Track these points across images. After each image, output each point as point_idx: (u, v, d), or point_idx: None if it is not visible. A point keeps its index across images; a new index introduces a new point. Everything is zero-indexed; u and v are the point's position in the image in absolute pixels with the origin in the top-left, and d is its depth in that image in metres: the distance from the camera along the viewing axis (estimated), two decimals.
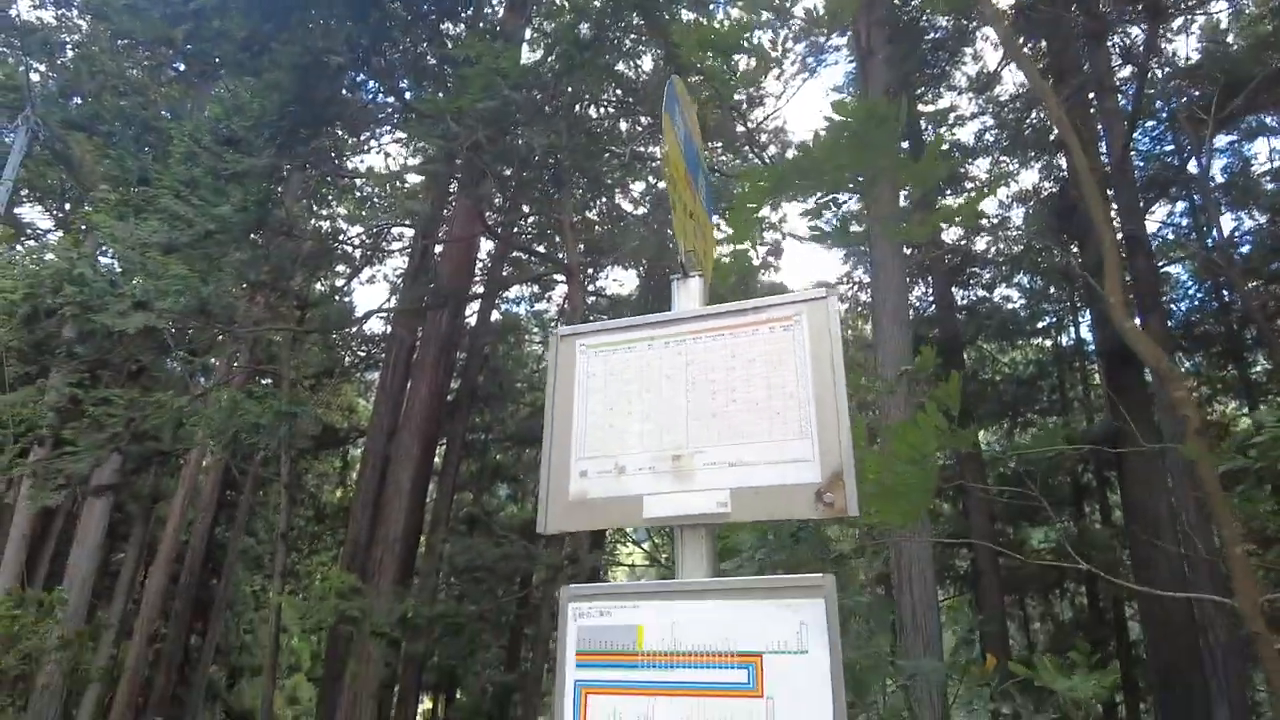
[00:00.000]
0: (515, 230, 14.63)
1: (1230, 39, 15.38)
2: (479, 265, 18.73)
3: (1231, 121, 13.83)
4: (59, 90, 17.44)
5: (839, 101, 2.87)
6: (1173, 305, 16.90)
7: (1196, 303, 15.86)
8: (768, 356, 1.32)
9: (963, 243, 19.33)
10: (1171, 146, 15.09)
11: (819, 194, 3.06)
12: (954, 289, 19.28)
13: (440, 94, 9.22)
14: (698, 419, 1.33)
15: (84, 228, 14.83)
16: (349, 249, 19.25)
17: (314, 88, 9.09)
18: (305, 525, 21.64)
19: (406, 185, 18.01)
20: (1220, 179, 16.74)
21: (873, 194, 4.22)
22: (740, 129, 11.13)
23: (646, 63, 14.13)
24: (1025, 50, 16.04)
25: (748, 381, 1.31)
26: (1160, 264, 17.18)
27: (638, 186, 19.18)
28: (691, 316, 1.42)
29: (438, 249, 15.36)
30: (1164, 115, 14.08)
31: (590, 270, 19.88)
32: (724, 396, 1.32)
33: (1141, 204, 15.60)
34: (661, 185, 17.77)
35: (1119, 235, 13.33)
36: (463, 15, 11.64)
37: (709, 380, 1.34)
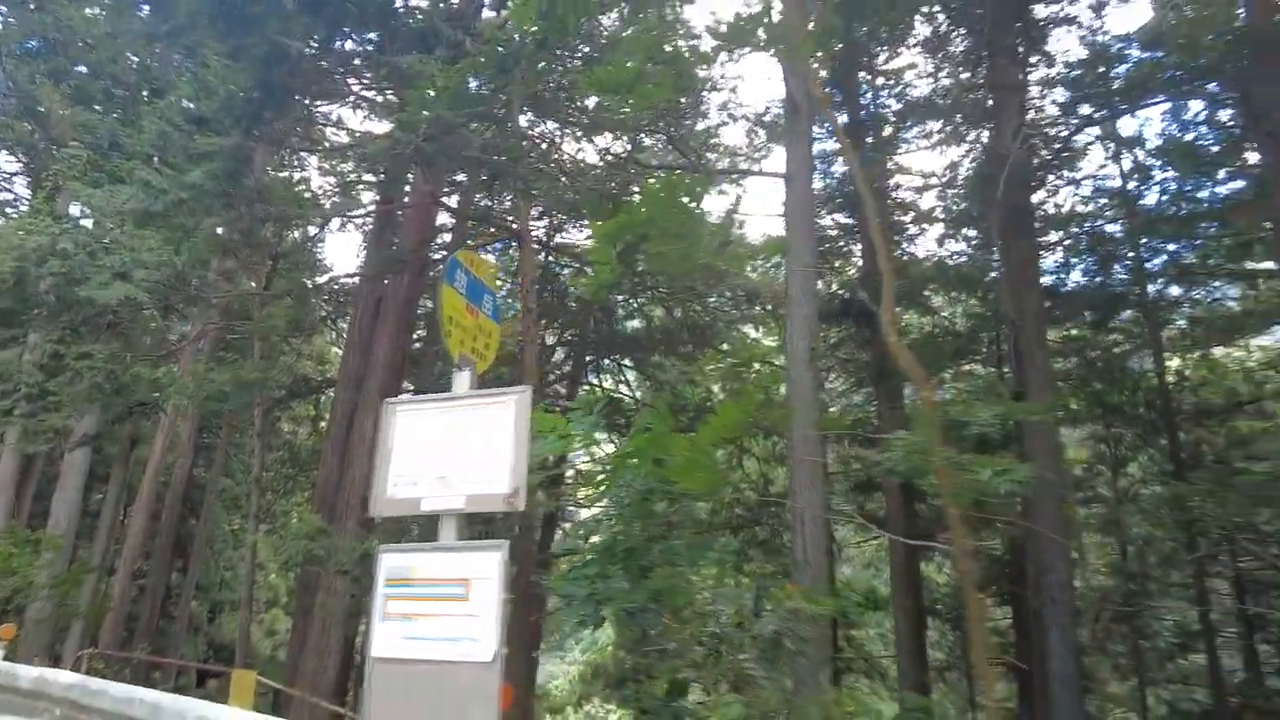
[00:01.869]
0: (476, 198, 15.43)
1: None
2: (448, 217, 19.48)
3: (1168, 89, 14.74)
4: (20, 32, 17.64)
5: (649, 185, 3.84)
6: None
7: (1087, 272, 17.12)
8: (492, 422, 2.38)
9: (910, 199, 20.24)
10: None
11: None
12: (902, 245, 20.15)
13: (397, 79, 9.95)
14: (454, 455, 2.40)
15: (58, 185, 15.34)
16: (320, 202, 19.85)
17: (277, 73, 9.81)
18: (280, 468, 22.71)
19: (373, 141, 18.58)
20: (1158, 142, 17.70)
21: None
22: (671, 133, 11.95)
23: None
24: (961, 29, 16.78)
25: (481, 435, 2.37)
26: (1091, 227, 18.26)
27: (602, 140, 19.86)
28: (458, 396, 2.49)
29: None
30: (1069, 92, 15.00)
31: (551, 227, 20.70)
32: (468, 442, 2.39)
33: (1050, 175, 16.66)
34: (626, 139, 18.49)
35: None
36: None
37: (463, 434, 2.40)
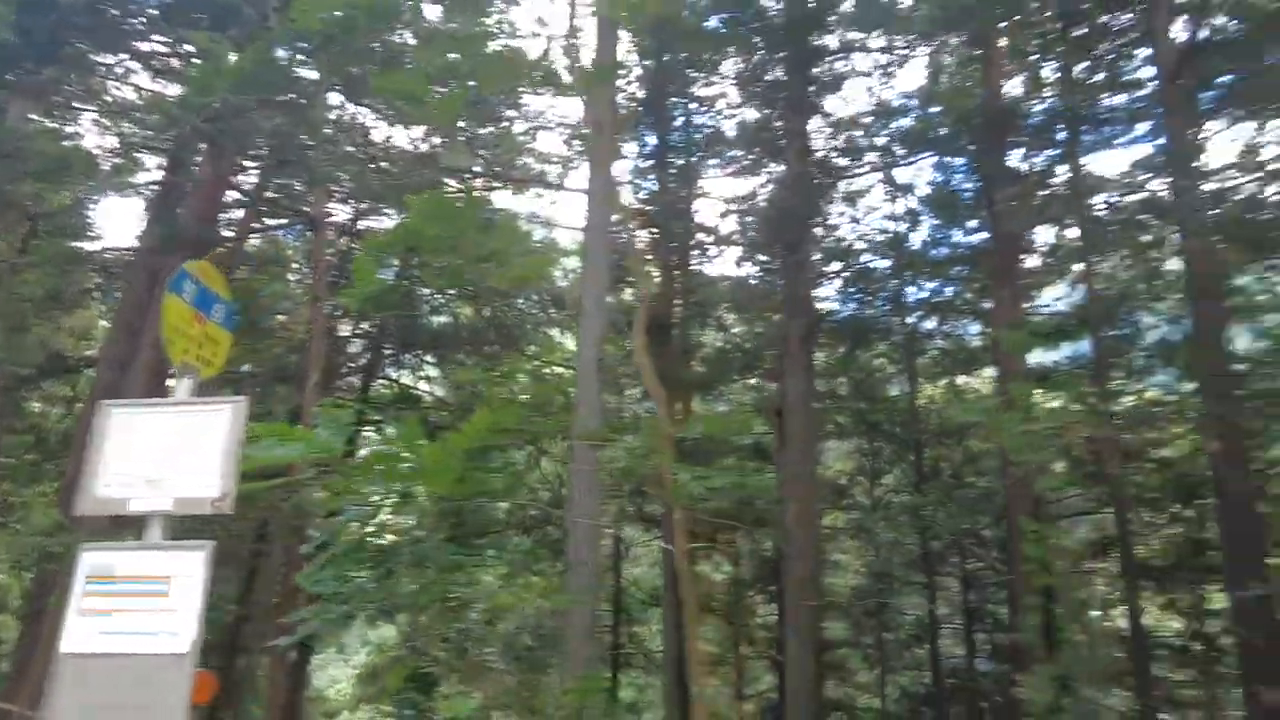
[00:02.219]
0: (271, 179, 14.72)
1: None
2: (240, 195, 18.26)
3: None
4: None
5: (417, 199, 4.08)
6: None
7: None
8: (207, 427, 2.55)
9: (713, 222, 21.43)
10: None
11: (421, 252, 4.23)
12: (699, 265, 21.22)
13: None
14: (168, 456, 2.53)
15: None
16: (96, 163, 17.95)
17: (44, 20, 8.97)
18: (24, 454, 20.31)
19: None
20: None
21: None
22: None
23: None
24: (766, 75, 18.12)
25: (197, 440, 2.53)
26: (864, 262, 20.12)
27: (416, 131, 19.39)
28: (177, 402, 2.62)
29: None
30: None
31: (356, 213, 19.99)
32: (183, 447, 2.54)
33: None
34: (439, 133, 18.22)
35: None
36: None
37: (181, 437, 2.55)
